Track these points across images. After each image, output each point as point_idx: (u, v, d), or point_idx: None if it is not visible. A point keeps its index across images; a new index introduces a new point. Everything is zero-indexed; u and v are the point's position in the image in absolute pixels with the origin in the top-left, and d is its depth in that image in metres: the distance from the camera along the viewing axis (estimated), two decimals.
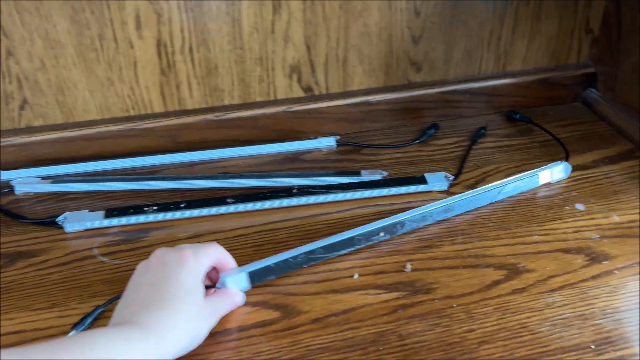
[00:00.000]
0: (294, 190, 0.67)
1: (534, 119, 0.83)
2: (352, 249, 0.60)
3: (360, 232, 0.59)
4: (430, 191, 0.69)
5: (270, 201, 0.66)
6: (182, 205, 0.65)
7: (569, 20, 0.83)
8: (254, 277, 0.55)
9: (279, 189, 0.68)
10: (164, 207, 0.65)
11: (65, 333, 0.52)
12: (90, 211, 0.65)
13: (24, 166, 0.72)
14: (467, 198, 0.64)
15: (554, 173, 0.70)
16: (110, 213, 0.64)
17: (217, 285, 0.53)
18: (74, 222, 0.63)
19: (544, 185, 0.70)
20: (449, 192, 0.70)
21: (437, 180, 0.69)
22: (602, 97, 0.86)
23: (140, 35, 0.69)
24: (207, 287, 0.51)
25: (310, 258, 0.58)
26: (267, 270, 0.56)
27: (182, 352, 0.47)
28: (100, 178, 0.70)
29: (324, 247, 0.58)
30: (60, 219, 0.63)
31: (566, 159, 0.73)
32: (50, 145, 0.73)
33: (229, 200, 0.66)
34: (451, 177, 0.70)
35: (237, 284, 0.54)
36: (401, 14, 0.76)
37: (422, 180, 0.69)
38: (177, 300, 0.47)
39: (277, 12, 0.71)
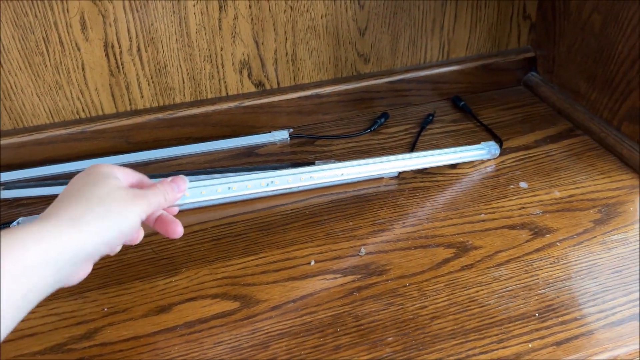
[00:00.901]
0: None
1: (480, 104, 0.86)
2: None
3: None
4: (382, 178, 0.72)
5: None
6: None
7: (507, 6, 0.86)
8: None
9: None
10: None
11: None
12: None
13: None
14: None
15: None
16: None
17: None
18: None
19: (489, 165, 0.73)
20: (399, 178, 0.72)
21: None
22: (542, 79, 0.90)
23: (87, 37, 0.69)
24: None
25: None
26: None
27: (112, 239, 0.42)
28: (53, 182, 0.70)
29: None
30: (13, 224, 0.63)
31: (500, 146, 0.76)
32: (0, 152, 0.72)
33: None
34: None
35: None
36: (346, 7, 0.77)
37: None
38: (90, 187, 0.42)
39: (224, 10, 0.72)
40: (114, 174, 0.46)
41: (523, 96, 0.90)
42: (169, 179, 0.50)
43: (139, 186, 0.48)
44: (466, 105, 0.85)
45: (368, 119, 0.85)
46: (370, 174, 0.66)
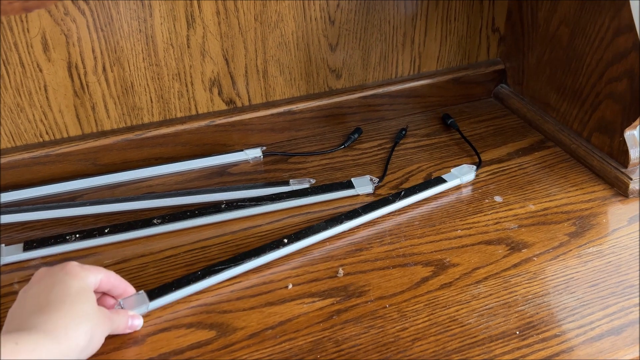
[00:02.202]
0: (223, 206, 0.66)
1: (452, 117, 0.86)
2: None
3: None
4: (358, 195, 0.71)
5: (198, 218, 0.65)
6: (106, 231, 0.63)
7: (476, 19, 0.87)
8: (153, 294, 0.55)
9: (207, 205, 0.67)
10: (86, 234, 0.62)
11: None
12: (7, 245, 0.62)
13: None
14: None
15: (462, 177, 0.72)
16: (29, 245, 0.61)
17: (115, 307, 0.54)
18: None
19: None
20: (375, 195, 0.71)
21: (363, 184, 0.70)
22: (512, 91, 0.90)
23: (49, 58, 0.67)
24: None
25: (210, 271, 0.58)
26: (166, 287, 0.56)
27: (82, 355, 0.45)
28: (16, 209, 0.67)
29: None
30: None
31: (478, 162, 0.76)
32: None
33: (155, 221, 0.64)
34: (376, 180, 0.71)
35: (134, 305, 0.54)
36: (316, 23, 0.77)
37: (350, 185, 0.70)
38: (69, 302, 0.45)
39: (192, 27, 0.71)
40: (88, 283, 0.49)
41: (494, 108, 0.91)
42: (130, 314, 0.53)
43: (111, 291, 0.53)
44: (454, 123, 0.84)
45: (341, 135, 0.84)
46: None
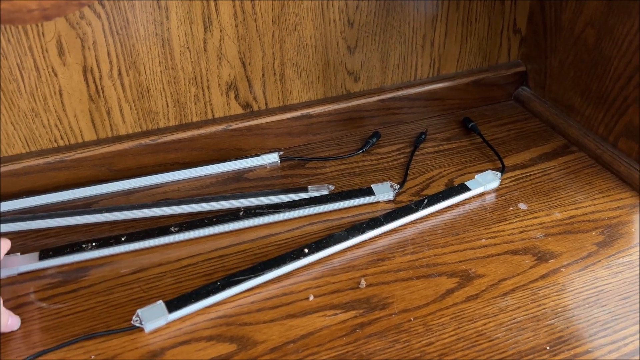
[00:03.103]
0: (241, 213, 0.65)
1: (472, 120, 0.84)
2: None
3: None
4: (378, 202, 0.69)
5: (216, 226, 0.64)
6: (122, 239, 0.61)
7: (497, 21, 0.84)
8: (172, 305, 0.54)
9: (224, 213, 0.66)
10: (103, 243, 0.61)
11: None
12: (22, 253, 0.61)
13: None
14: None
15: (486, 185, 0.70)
16: (45, 254, 0.60)
17: None
18: (6, 267, 0.59)
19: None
20: (395, 202, 0.70)
21: (384, 191, 0.69)
22: (533, 94, 0.88)
23: (64, 62, 0.65)
24: None
25: (230, 282, 0.57)
26: (185, 298, 0.55)
27: None
28: (31, 216, 0.66)
29: None
30: None
31: (502, 168, 0.74)
32: None
33: (172, 229, 0.63)
34: (397, 187, 0.70)
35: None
36: (335, 25, 0.75)
37: (370, 192, 0.69)
38: None
39: (209, 30, 0.69)
40: None
41: (515, 111, 0.89)
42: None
43: None
44: (475, 127, 0.82)
45: (359, 139, 0.82)
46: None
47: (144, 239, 0.62)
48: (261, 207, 0.66)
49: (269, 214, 0.65)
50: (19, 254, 0.61)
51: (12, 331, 0.53)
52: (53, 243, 0.64)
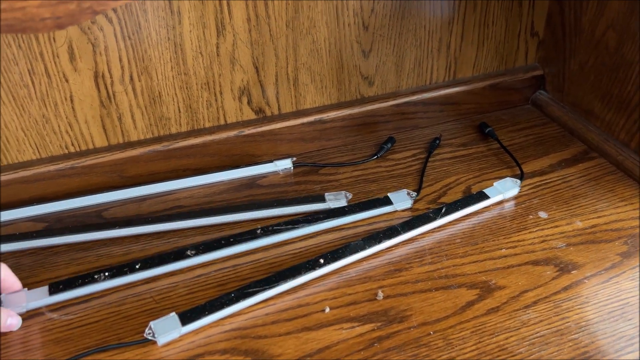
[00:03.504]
0: (258, 231, 0.63)
1: (489, 125, 0.82)
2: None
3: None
4: (395, 211, 0.68)
5: (233, 247, 0.62)
6: (137, 267, 0.59)
7: (514, 23, 0.83)
8: (185, 317, 0.53)
9: (239, 224, 0.65)
10: (116, 272, 0.58)
11: None
12: (30, 289, 0.56)
13: None
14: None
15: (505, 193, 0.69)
16: (55, 288, 0.56)
17: None
18: (14, 303, 0.55)
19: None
20: (412, 209, 0.68)
21: (401, 199, 0.67)
22: (551, 98, 0.86)
23: (75, 68, 0.64)
24: None
25: (244, 293, 0.55)
26: (198, 310, 0.53)
27: None
28: (39, 232, 0.64)
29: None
30: None
31: (521, 175, 0.72)
32: None
33: (189, 252, 0.60)
34: (414, 195, 0.68)
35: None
36: (349, 28, 0.74)
37: (387, 201, 0.67)
38: None
39: (222, 35, 0.68)
40: None
41: (532, 116, 0.87)
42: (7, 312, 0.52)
43: None
44: (492, 132, 0.81)
45: (373, 144, 0.81)
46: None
47: (160, 265, 0.59)
48: (279, 224, 0.64)
49: (287, 230, 0.63)
50: (26, 289, 0.56)
51: (11, 331, 0.53)
52: (62, 262, 0.62)
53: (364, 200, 0.68)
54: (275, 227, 0.63)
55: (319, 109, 0.78)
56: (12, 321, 0.52)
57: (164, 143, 0.72)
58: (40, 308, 0.56)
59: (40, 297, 0.56)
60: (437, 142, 0.80)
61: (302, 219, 0.64)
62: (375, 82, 0.80)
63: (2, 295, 0.54)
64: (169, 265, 0.59)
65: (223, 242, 0.61)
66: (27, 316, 0.55)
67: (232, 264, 0.61)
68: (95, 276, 0.57)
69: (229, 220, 0.66)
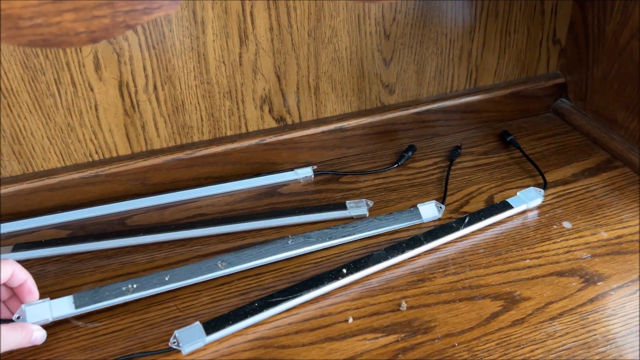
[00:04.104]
0: (289, 242, 0.63)
1: (511, 133, 0.82)
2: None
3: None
4: (422, 222, 0.67)
5: (266, 258, 0.61)
6: (166, 278, 0.58)
7: (536, 31, 0.82)
8: (209, 327, 0.52)
9: (266, 231, 0.65)
10: (145, 284, 0.58)
11: None
12: (52, 298, 0.55)
13: None
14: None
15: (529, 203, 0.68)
16: (81, 300, 0.55)
17: (15, 316, 0.52)
18: (37, 315, 0.53)
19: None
20: (439, 219, 0.68)
21: (430, 211, 0.67)
22: (573, 106, 0.86)
23: (100, 77, 0.65)
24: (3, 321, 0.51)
25: (268, 303, 0.55)
26: (222, 319, 0.53)
27: None
28: (64, 239, 0.65)
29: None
30: (15, 317, 0.53)
31: (544, 184, 0.72)
32: (9, 200, 0.68)
33: (219, 264, 0.60)
34: (442, 207, 0.68)
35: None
36: (371, 37, 0.74)
37: (416, 214, 0.67)
38: None
39: (244, 44, 0.68)
40: None
41: (554, 124, 0.86)
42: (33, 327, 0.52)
43: (11, 280, 0.52)
44: (514, 140, 0.80)
45: (393, 152, 0.81)
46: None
47: (189, 277, 0.59)
48: (309, 236, 0.64)
49: (319, 242, 0.63)
50: (48, 298, 0.55)
51: (36, 345, 0.53)
52: (88, 270, 0.62)
53: (395, 211, 0.68)
54: (307, 239, 0.63)
55: (339, 117, 0.78)
56: (37, 335, 0.52)
57: (187, 151, 0.72)
58: (64, 317, 0.56)
59: (67, 310, 0.55)
60: (458, 150, 0.79)
61: (333, 230, 0.65)
62: (396, 90, 0.80)
63: (24, 307, 0.53)
64: (199, 277, 0.59)
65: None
66: (52, 323, 0.56)
67: (254, 273, 0.62)
68: (124, 288, 0.57)
69: (252, 228, 0.66)
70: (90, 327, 0.56)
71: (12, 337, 0.50)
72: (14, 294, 0.54)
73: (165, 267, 0.62)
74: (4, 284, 0.52)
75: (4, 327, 0.49)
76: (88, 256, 0.64)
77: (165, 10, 0.36)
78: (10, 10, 0.33)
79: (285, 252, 0.62)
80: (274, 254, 0.62)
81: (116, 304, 0.57)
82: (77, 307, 0.55)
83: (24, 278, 0.53)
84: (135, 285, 0.57)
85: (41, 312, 0.54)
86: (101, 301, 0.56)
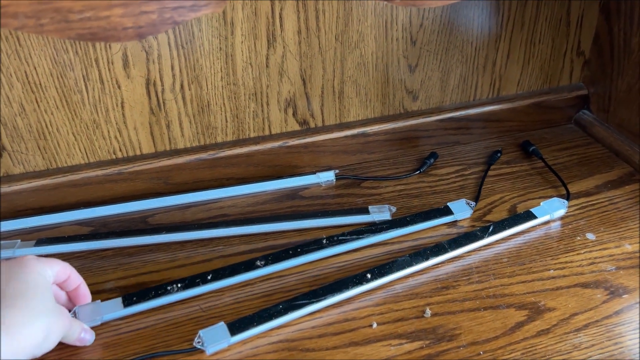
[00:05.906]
0: (324, 241, 0.63)
1: (532, 143, 0.82)
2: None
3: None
4: (440, 225, 0.67)
5: (303, 257, 0.62)
6: (208, 277, 0.59)
7: (561, 42, 0.82)
8: (234, 328, 0.53)
9: (300, 232, 0.66)
10: (189, 283, 0.58)
11: None
12: (103, 300, 0.57)
13: (3, 218, 0.67)
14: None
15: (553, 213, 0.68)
16: (129, 300, 0.56)
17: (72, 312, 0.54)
18: (89, 316, 0.55)
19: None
20: (457, 226, 0.68)
21: (461, 209, 0.67)
22: (595, 118, 0.86)
23: (128, 75, 0.65)
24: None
25: (292, 306, 0.55)
26: (247, 320, 0.53)
27: (37, 352, 0.45)
28: (86, 235, 0.65)
29: None
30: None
31: (567, 195, 0.71)
32: (32, 194, 0.68)
33: (258, 262, 0.60)
34: (473, 204, 0.68)
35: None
36: (397, 43, 0.74)
37: (447, 211, 0.67)
38: (25, 297, 0.45)
39: (272, 47, 0.68)
40: (46, 277, 0.49)
41: (575, 135, 0.86)
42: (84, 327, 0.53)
43: (67, 283, 0.53)
44: (537, 150, 0.80)
45: (415, 159, 0.81)
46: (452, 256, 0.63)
47: (231, 275, 0.59)
48: (344, 234, 0.64)
49: (352, 240, 0.63)
50: (99, 301, 0.56)
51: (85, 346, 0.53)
52: (110, 266, 0.62)
53: (425, 210, 0.69)
54: (341, 238, 0.63)
55: (362, 122, 0.78)
56: (85, 335, 0.52)
57: (210, 152, 0.72)
58: (115, 320, 0.56)
59: (116, 310, 0.56)
60: (498, 154, 0.79)
61: (366, 229, 0.65)
62: (420, 97, 0.80)
63: (77, 308, 0.54)
64: (240, 276, 0.59)
65: (291, 252, 0.62)
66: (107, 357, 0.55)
67: (277, 275, 0.61)
68: (169, 287, 0.57)
69: (275, 230, 0.66)
70: (114, 325, 0.56)
71: (74, 330, 0.51)
72: (68, 298, 0.55)
73: (188, 266, 0.62)
74: (59, 285, 0.53)
75: (73, 319, 0.51)
76: (110, 253, 0.64)
77: (212, 8, 0.36)
78: (61, 3, 0.33)
79: (321, 251, 0.63)
80: (312, 252, 0.62)
81: (164, 304, 0.57)
82: (125, 306, 0.56)
83: (78, 282, 0.54)
84: (179, 285, 0.58)
85: (93, 312, 0.55)
86: (148, 300, 0.56)
